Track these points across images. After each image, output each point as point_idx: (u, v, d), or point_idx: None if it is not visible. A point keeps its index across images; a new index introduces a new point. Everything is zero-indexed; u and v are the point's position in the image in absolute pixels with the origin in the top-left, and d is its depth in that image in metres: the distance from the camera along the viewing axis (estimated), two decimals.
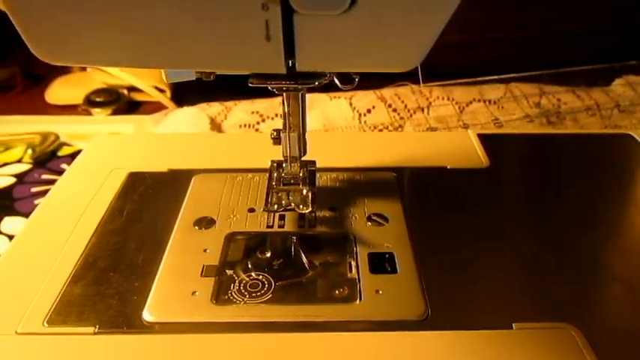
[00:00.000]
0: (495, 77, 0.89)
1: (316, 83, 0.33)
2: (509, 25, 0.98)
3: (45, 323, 0.35)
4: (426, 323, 0.35)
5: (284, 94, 0.38)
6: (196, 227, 0.43)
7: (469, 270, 0.39)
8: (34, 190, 0.69)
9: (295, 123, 0.40)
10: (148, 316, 0.35)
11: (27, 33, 0.28)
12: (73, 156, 0.76)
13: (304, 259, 0.40)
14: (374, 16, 0.27)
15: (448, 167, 0.51)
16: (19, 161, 0.75)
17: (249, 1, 0.26)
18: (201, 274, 0.38)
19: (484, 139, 0.55)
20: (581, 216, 0.46)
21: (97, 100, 0.91)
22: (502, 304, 0.37)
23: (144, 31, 0.28)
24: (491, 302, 0.37)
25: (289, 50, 0.28)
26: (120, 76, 0.92)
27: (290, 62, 0.29)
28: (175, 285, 0.37)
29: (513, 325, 0.34)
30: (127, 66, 0.30)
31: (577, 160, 0.55)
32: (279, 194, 0.42)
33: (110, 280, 0.38)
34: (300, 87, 0.35)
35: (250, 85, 0.33)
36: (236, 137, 0.67)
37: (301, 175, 0.43)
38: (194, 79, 0.37)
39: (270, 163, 0.45)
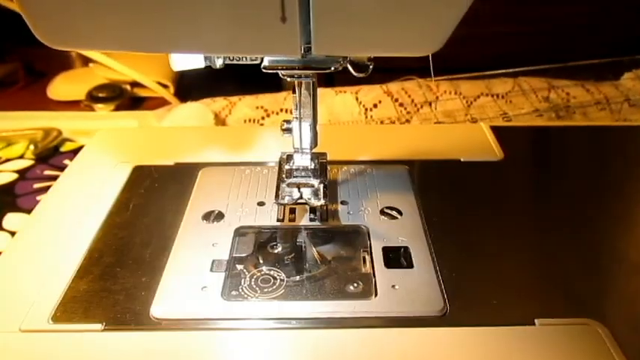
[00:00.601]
0: (503, 71, 0.88)
1: (332, 69, 0.32)
2: (513, 18, 0.97)
3: (50, 320, 0.34)
4: (444, 319, 0.34)
5: (295, 82, 0.37)
6: (205, 221, 0.42)
7: (487, 264, 0.38)
8: (36, 186, 0.68)
9: (307, 113, 0.39)
10: (156, 312, 0.34)
11: (32, 17, 0.27)
12: (75, 152, 0.75)
13: (316, 254, 0.39)
14: None
15: (462, 160, 0.50)
16: (22, 157, 0.74)
17: None
18: (211, 268, 0.37)
19: (497, 131, 0.54)
20: (600, 209, 0.45)
21: (100, 95, 0.90)
22: (523, 299, 0.35)
23: (153, 13, 0.27)
24: (512, 297, 0.36)
25: (305, 32, 0.27)
26: (123, 72, 0.90)
27: (305, 46, 0.28)
28: (184, 280, 0.36)
29: (536, 321, 0.33)
30: (136, 51, 0.29)
31: (591, 152, 0.54)
32: (290, 187, 0.41)
33: (117, 276, 0.37)
34: (312, 73, 0.34)
35: (263, 70, 0.32)
36: (243, 130, 0.65)
37: (312, 167, 0.42)
38: (203, 67, 0.35)
39: (279, 155, 0.43)
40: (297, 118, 0.39)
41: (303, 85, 0.37)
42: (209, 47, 0.28)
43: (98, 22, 0.27)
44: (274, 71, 0.32)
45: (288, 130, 0.41)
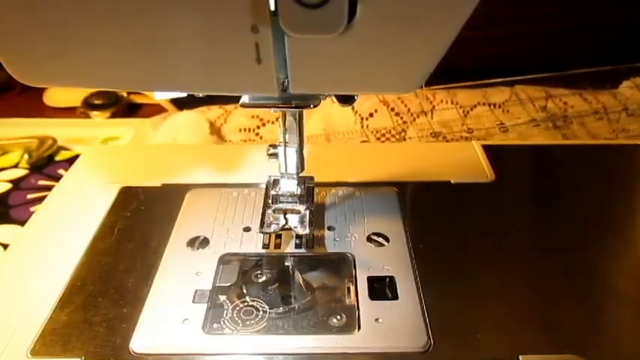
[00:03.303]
0: (500, 80, 0.87)
1: (311, 106, 0.31)
2: (511, 24, 0.96)
3: (29, 353, 0.33)
4: (428, 355, 0.33)
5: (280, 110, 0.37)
6: (189, 248, 0.41)
7: (474, 295, 0.38)
8: (30, 196, 0.67)
9: (293, 139, 0.39)
10: (136, 346, 0.33)
11: (4, 57, 0.27)
12: (70, 161, 0.75)
13: (301, 283, 0.38)
14: (372, 37, 0.25)
15: (452, 182, 0.49)
16: (16, 166, 0.74)
17: (237, 23, 0.24)
18: (193, 299, 0.37)
19: (489, 150, 0.53)
20: (591, 234, 0.44)
21: (96, 102, 0.90)
22: (508, 333, 0.35)
23: (129, 53, 0.26)
24: (496, 332, 0.35)
25: (282, 72, 0.26)
26: None
27: (283, 84, 0.27)
28: (165, 312, 0.36)
29: (520, 357, 0.33)
30: (112, 89, 0.29)
31: (586, 172, 0.53)
32: (275, 214, 0.40)
33: (98, 306, 0.36)
34: (295, 109, 0.33)
35: (240, 107, 0.31)
36: (233, 149, 0.65)
37: (299, 193, 0.41)
38: (185, 95, 0.35)
39: (267, 179, 0.43)
40: (282, 143, 0.39)
41: (288, 112, 0.37)
42: (185, 87, 0.28)
43: (72, 63, 0.27)
44: (253, 108, 0.31)
45: (274, 155, 0.40)
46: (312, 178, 0.43)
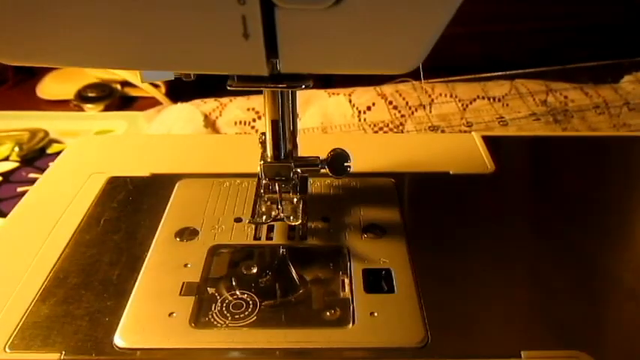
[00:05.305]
0: (500, 73, 0.86)
1: (302, 87, 0.30)
2: (512, 18, 0.95)
3: (7, 348, 0.32)
4: (425, 351, 0.32)
5: (270, 91, 0.35)
6: (177, 239, 0.40)
7: (473, 289, 0.36)
8: (20, 189, 0.66)
9: (285, 125, 0.37)
10: (119, 340, 0.32)
11: None
12: None
13: (294, 275, 0.37)
14: (367, 10, 0.23)
15: (451, 172, 0.47)
16: (6, 159, 0.73)
17: None
18: (181, 292, 0.35)
19: (489, 141, 0.52)
20: (595, 227, 0.43)
21: (90, 95, 0.89)
22: (509, 328, 0.33)
23: (112, 30, 0.25)
24: (497, 327, 0.34)
25: (271, 49, 0.25)
26: (114, 71, 0.88)
27: (273, 62, 0.26)
28: (151, 305, 0.34)
29: (522, 353, 0.31)
30: (95, 67, 0.27)
31: (587, 164, 0.52)
32: (268, 203, 0.39)
33: (81, 299, 0.35)
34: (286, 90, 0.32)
35: (228, 88, 0.30)
36: (225, 139, 0.63)
37: (292, 182, 0.40)
38: (172, 78, 0.33)
39: (259, 168, 0.41)
40: (271, 128, 0.37)
41: (279, 95, 0.35)
42: (169, 65, 0.26)
43: (57, 40, 0.25)
44: (241, 89, 0.30)
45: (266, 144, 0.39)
46: None
